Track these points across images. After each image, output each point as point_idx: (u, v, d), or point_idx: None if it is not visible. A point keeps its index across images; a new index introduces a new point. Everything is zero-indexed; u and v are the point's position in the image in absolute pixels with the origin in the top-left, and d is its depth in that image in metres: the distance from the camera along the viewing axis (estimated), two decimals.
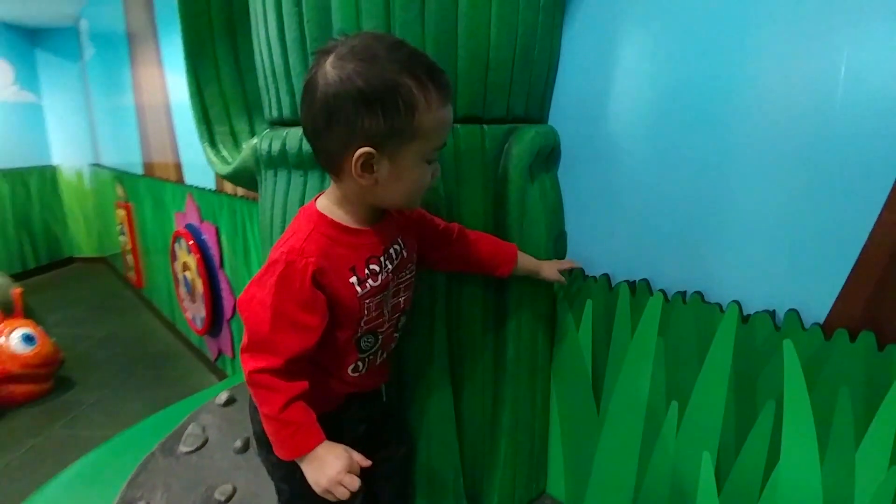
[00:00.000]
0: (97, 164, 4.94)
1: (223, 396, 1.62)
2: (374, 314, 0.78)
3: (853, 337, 0.71)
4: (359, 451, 0.74)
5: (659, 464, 0.96)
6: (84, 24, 4.48)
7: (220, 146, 1.39)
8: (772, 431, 0.81)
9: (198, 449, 1.39)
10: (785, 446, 0.80)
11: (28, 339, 2.63)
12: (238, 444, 1.36)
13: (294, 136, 0.95)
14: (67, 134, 5.15)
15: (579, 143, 1.03)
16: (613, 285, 0.99)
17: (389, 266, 0.78)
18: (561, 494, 1.16)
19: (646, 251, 0.95)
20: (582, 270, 1.04)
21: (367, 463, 0.72)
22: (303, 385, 0.71)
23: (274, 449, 0.73)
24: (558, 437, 1.14)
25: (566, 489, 1.15)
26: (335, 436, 0.76)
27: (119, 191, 4.15)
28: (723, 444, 0.87)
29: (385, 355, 0.87)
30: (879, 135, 0.67)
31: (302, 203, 0.96)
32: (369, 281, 0.75)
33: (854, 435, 0.73)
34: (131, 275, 4.25)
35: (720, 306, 0.84)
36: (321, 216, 0.74)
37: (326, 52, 0.67)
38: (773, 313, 0.79)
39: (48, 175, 5.15)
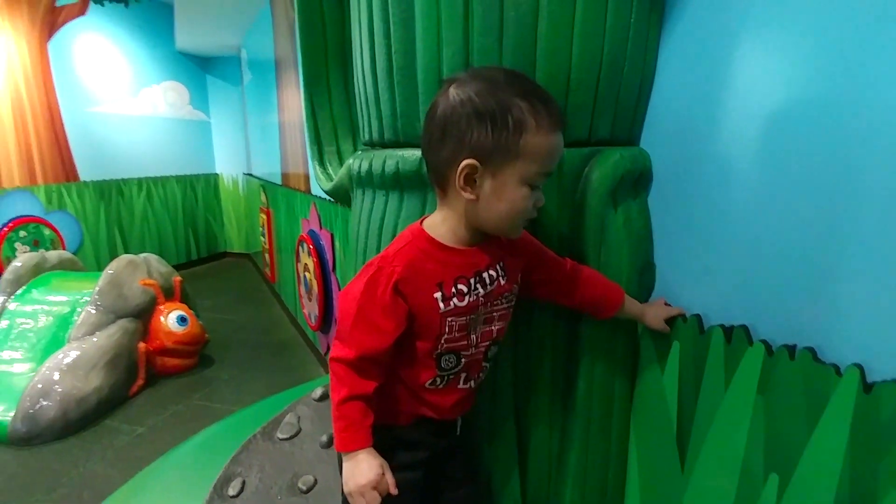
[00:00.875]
0: (249, 174, 5.65)
1: (318, 391, 1.74)
2: (456, 334, 0.78)
3: None
4: (418, 477, 0.76)
5: None
6: (244, 53, 5.16)
7: (328, 164, 1.50)
8: None
9: (291, 437, 1.50)
10: None
11: (182, 320, 3.07)
12: (324, 438, 1.45)
13: (379, 158, 0.99)
14: (228, 147, 5.96)
15: (675, 168, 0.93)
16: (706, 329, 0.88)
17: (481, 290, 0.78)
18: None
19: (747, 293, 0.83)
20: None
21: (394, 490, 0.72)
22: (370, 385, 0.74)
23: None
24: (636, 489, 1.03)
25: None
26: (392, 451, 0.78)
27: (263, 197, 4.70)
28: None
29: (471, 384, 0.85)
30: None
31: (383, 220, 1.00)
32: (454, 300, 0.76)
33: None
34: (267, 271, 4.78)
35: (837, 368, 0.70)
36: (421, 231, 0.78)
37: (452, 80, 0.72)
38: None
39: (212, 182, 6.00)
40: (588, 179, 0.89)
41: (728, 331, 0.84)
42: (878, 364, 0.67)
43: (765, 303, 0.80)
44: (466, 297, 0.76)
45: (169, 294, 3.21)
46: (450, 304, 0.76)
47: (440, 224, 0.78)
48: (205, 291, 4.78)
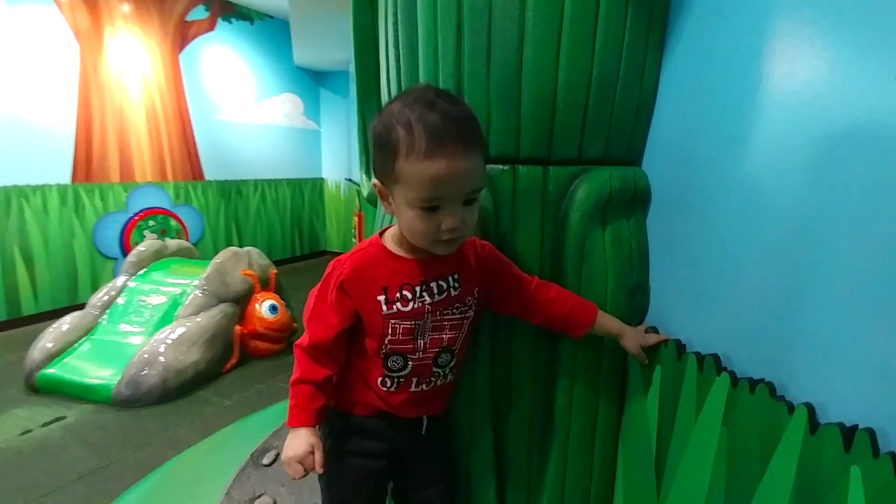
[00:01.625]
0: (349, 179, 6.10)
1: None
2: (401, 337, 0.83)
3: None
4: (377, 467, 0.87)
5: None
6: (351, 67, 5.61)
7: (371, 174, 1.64)
8: None
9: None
10: None
11: (273, 308, 3.42)
12: None
13: None
14: (333, 154, 6.49)
15: (674, 190, 0.92)
16: (683, 355, 0.86)
17: (427, 298, 0.82)
18: None
19: (724, 322, 0.80)
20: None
21: (319, 469, 0.80)
22: (320, 372, 0.82)
23: None
24: None
25: None
26: (350, 437, 0.87)
27: (357, 201, 5.07)
28: None
29: (422, 387, 0.87)
30: None
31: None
32: (398, 304, 0.81)
33: None
34: None
35: (791, 406, 0.66)
36: (377, 240, 0.85)
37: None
38: (846, 429, 0.59)
39: (318, 186, 6.56)
40: (572, 197, 0.91)
41: (701, 359, 0.82)
42: (827, 405, 0.63)
43: (738, 332, 0.77)
44: (411, 304, 0.80)
45: (265, 284, 3.59)
46: (392, 308, 0.80)
47: (394, 234, 0.84)
48: (302, 285, 5.22)
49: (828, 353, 0.64)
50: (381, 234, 0.87)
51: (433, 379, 0.87)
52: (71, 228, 4.09)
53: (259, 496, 1.27)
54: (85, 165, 4.16)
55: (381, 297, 0.81)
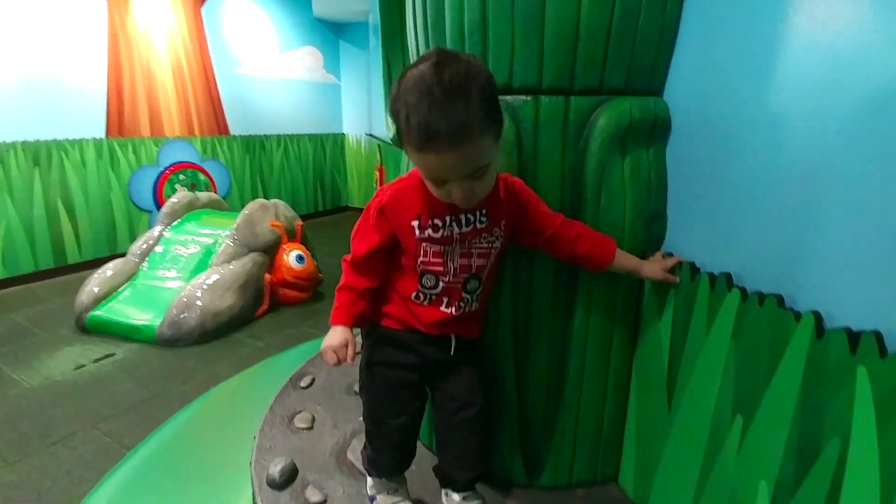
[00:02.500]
0: (370, 134, 6.09)
1: None
2: (431, 259, 0.92)
3: None
4: (411, 379, 0.98)
5: (718, 482, 0.86)
6: (371, 18, 5.50)
7: None
8: (833, 474, 0.66)
9: (357, 355, 1.76)
10: (845, 496, 0.64)
11: (300, 258, 3.53)
12: None
13: None
14: (354, 109, 6.45)
15: (696, 120, 0.93)
16: (696, 276, 0.90)
17: (456, 228, 0.90)
18: (630, 487, 1.11)
19: (738, 243, 0.83)
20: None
21: (350, 361, 0.92)
22: (361, 283, 0.94)
23: None
24: (633, 425, 1.09)
25: (634, 483, 1.09)
26: (384, 347, 0.97)
27: (378, 155, 5.09)
28: (781, 476, 0.74)
29: (452, 310, 0.94)
30: None
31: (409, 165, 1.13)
32: (429, 230, 0.90)
33: None
34: None
35: (798, 314, 0.70)
36: (415, 173, 0.92)
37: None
38: (852, 332, 0.63)
39: (338, 141, 6.57)
40: (593, 126, 0.94)
41: (713, 279, 0.85)
42: (835, 312, 0.66)
43: (751, 252, 0.80)
44: (441, 231, 0.90)
45: (292, 235, 3.69)
46: (424, 233, 0.90)
47: None
48: (325, 238, 5.35)
49: (835, 265, 0.67)
50: (416, 169, 0.92)
51: (462, 304, 0.95)
52: (108, 181, 4.25)
53: (299, 412, 1.38)
54: (117, 120, 4.27)
55: (415, 223, 0.90)
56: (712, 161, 0.89)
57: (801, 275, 0.72)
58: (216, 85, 4.95)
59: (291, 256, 3.51)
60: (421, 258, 0.92)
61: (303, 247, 3.65)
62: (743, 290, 0.80)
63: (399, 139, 0.80)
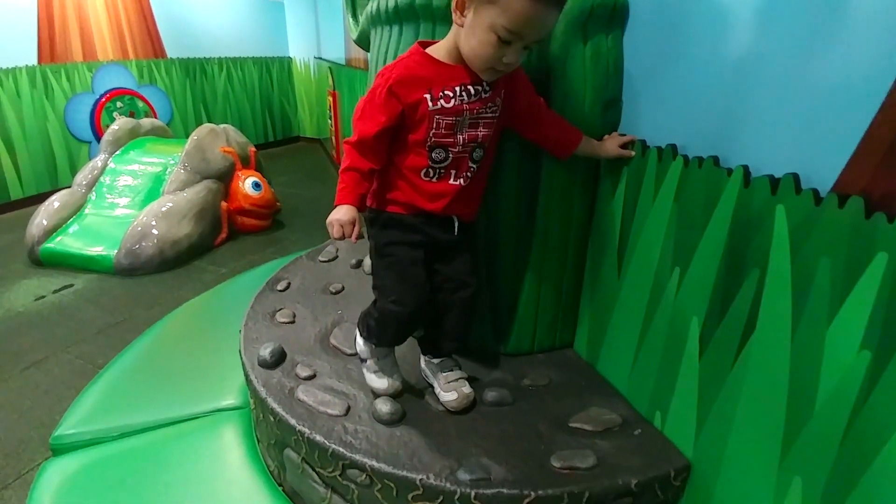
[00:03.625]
0: (319, 58, 5.80)
1: None
2: (443, 131, 0.95)
3: (843, 202, 0.66)
4: (416, 256, 1.02)
5: (659, 325, 1.01)
6: None
7: (359, 17, 1.64)
8: (752, 303, 0.80)
9: (329, 260, 1.83)
10: (761, 319, 0.79)
11: (256, 185, 3.47)
12: (353, 261, 1.76)
13: None
14: (300, 30, 6.08)
15: (653, 8, 0.99)
16: (646, 151, 1.00)
17: (465, 97, 0.94)
18: (583, 350, 1.27)
19: (682, 119, 0.93)
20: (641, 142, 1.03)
21: (355, 238, 0.96)
22: (365, 164, 0.96)
23: None
24: (588, 295, 1.23)
25: (587, 347, 1.25)
26: (391, 228, 1.02)
27: (330, 80, 4.89)
28: (710, 311, 0.88)
29: (460, 181, 0.99)
30: None
31: (396, 53, 1.14)
32: (441, 101, 0.93)
33: (828, 312, 0.69)
34: (334, 153, 5.10)
35: (729, 171, 0.82)
36: (418, 49, 0.95)
37: None
38: (774, 178, 0.75)
39: (285, 65, 6.23)
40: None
41: (661, 151, 0.96)
42: (762, 164, 0.78)
43: (693, 124, 0.90)
44: (452, 101, 0.93)
45: (245, 162, 3.59)
46: (437, 104, 0.92)
47: (442, 44, 0.94)
48: (279, 169, 5.21)
49: (762, 125, 0.77)
50: (416, 46, 0.96)
51: (468, 174, 1.00)
52: (44, 112, 3.97)
53: (280, 310, 1.45)
54: (48, 45, 3.94)
55: (427, 95, 0.93)
56: (663, 48, 0.97)
57: (735, 138, 0.83)
58: (148, 2, 4.54)
59: (247, 184, 3.44)
60: (434, 130, 0.94)
61: (258, 174, 3.57)
62: (686, 158, 0.90)
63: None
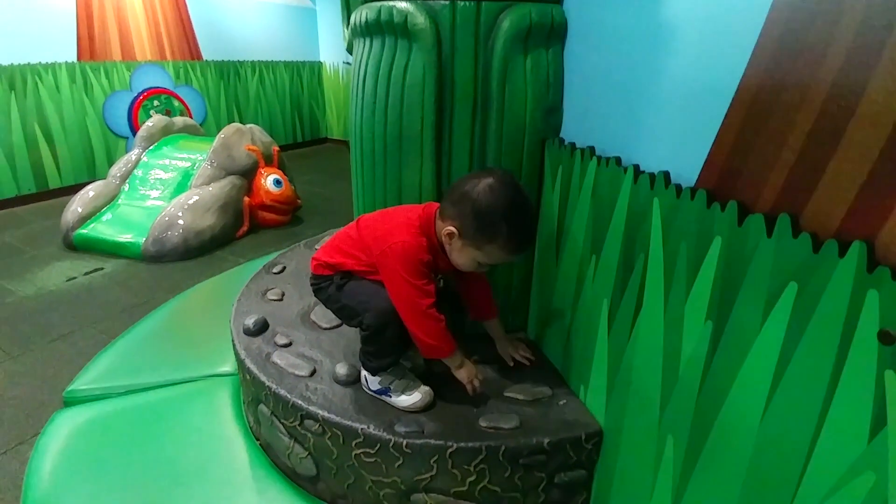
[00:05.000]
0: (347, 63, 6.05)
1: None
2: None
3: (693, 195, 0.78)
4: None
5: (582, 308, 1.13)
6: None
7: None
8: (639, 284, 0.92)
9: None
10: (645, 298, 0.91)
11: (277, 182, 3.70)
12: None
13: (372, 9, 1.21)
14: (331, 35, 6.36)
15: (590, 26, 1.11)
16: (573, 152, 1.12)
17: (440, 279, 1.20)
18: (533, 332, 1.40)
19: (602, 123, 1.06)
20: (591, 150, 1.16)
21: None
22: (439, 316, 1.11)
23: None
24: (537, 283, 1.35)
25: (536, 329, 1.38)
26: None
27: None
28: (615, 292, 1.00)
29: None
30: None
31: (378, 67, 1.25)
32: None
33: (685, 289, 0.81)
34: None
35: (625, 169, 0.94)
36: (432, 232, 1.11)
37: (491, 174, 1.04)
38: (653, 175, 0.87)
39: (316, 69, 6.52)
40: (499, 27, 1.12)
41: (583, 152, 1.08)
42: (650, 163, 0.90)
43: (606, 127, 1.03)
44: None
45: (269, 160, 3.84)
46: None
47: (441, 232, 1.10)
48: (304, 168, 5.48)
49: (652, 129, 0.90)
50: (433, 225, 1.11)
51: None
52: (83, 107, 4.30)
53: (271, 289, 1.64)
54: (88, 43, 4.27)
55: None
56: (590, 61, 1.10)
57: (632, 140, 0.95)
58: (186, 6, 4.87)
59: (269, 180, 3.66)
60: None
61: (280, 171, 3.80)
62: (599, 158, 1.03)
63: (481, 239, 1.03)
